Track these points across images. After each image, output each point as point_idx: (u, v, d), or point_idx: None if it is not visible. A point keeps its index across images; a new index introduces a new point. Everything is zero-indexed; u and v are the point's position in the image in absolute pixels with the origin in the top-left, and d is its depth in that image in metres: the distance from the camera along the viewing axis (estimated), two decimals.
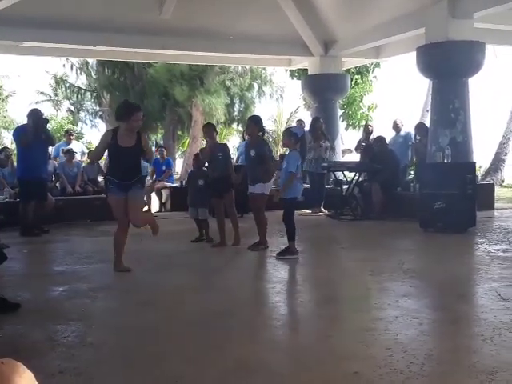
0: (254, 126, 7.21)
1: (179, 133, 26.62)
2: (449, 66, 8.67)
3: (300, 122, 13.08)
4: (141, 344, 3.75)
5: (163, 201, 12.01)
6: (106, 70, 23.58)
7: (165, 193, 11.97)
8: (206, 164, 7.83)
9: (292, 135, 6.66)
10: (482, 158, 16.69)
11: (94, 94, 25.64)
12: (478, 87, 14.09)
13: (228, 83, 22.52)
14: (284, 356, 3.53)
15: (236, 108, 24.76)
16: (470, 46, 8.56)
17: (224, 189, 7.39)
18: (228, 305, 4.68)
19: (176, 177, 16.62)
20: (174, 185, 12.36)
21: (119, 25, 10.78)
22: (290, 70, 17.52)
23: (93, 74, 24.90)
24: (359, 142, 12.11)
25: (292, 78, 18.83)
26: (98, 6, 10.45)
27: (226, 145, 8.47)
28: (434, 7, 8.75)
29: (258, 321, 4.33)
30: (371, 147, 10.78)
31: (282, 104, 27.50)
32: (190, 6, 10.79)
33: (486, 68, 9.08)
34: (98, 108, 26.39)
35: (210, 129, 7.78)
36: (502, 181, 18.26)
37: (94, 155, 6.71)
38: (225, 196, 7.42)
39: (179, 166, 26.11)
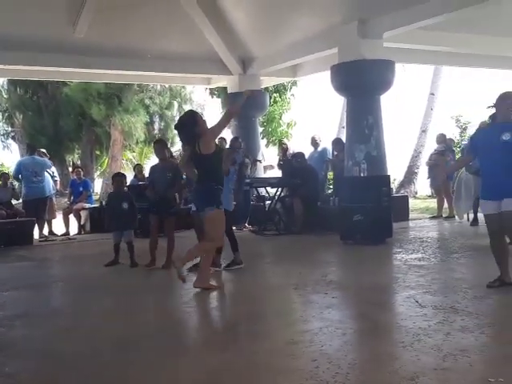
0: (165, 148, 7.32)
1: (97, 152, 26.03)
2: (361, 84, 9.00)
3: (221, 140, 13.16)
4: (62, 371, 3.60)
5: (82, 222, 11.66)
6: (18, 89, 22.80)
7: (83, 214, 11.63)
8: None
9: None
10: (395, 172, 17.40)
11: (6, 115, 24.63)
12: (390, 103, 14.71)
13: (147, 102, 22.33)
14: (210, 376, 3.49)
15: (156, 126, 24.56)
16: (380, 64, 8.94)
17: (168, 211, 7.17)
18: (150, 328, 4.59)
19: (95, 197, 16.18)
20: (94, 205, 12.05)
21: (31, 43, 10.42)
22: (210, 89, 17.62)
23: (4, 94, 23.96)
24: (279, 159, 12.35)
25: (212, 97, 18.93)
26: (8, 24, 10.07)
27: (177, 164, 8.18)
28: (345, 27, 9.09)
29: (181, 342, 4.28)
30: (290, 163, 11.00)
31: None
32: (105, 24, 10.63)
33: (396, 85, 9.52)
34: (10, 129, 25.31)
35: (161, 146, 7.51)
36: (415, 192, 19.11)
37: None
38: (166, 219, 7.18)
39: (98, 186, 25.46)
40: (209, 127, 5.81)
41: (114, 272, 7.21)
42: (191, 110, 6.60)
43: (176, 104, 23.89)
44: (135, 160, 25.95)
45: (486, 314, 4.39)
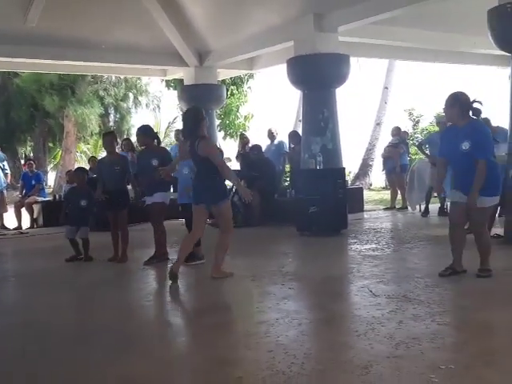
0: (143, 136, 7.05)
1: (50, 145, 25.48)
2: (317, 78, 9.07)
3: (178, 132, 13.08)
4: (18, 366, 3.53)
5: (34, 216, 11.41)
6: None
7: (36, 208, 11.37)
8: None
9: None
10: (351, 164, 17.68)
11: None
12: (345, 97, 14.90)
13: (102, 93, 21.95)
14: (167, 367, 3.49)
15: (111, 118, 24.20)
16: (335, 58, 9.03)
17: (119, 204, 7.06)
18: (108, 321, 4.54)
19: (49, 190, 15.85)
20: (47, 199, 11.80)
21: None
22: (166, 80, 17.44)
23: None
24: (238, 151, 12.37)
25: (168, 89, 18.75)
26: None
27: (125, 157, 7.96)
28: (300, 21, 9.14)
29: (140, 335, 4.25)
30: (248, 155, 11.03)
31: (159, 114, 27.21)
32: (57, 14, 10.36)
33: (351, 79, 9.64)
34: None
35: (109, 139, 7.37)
36: (370, 184, 19.48)
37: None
38: (119, 212, 7.08)
39: (51, 179, 24.93)
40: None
41: (68, 266, 7.10)
42: (196, 109, 6.22)
43: (131, 96, 23.59)
44: (89, 152, 25.51)
45: (438, 303, 4.51)
